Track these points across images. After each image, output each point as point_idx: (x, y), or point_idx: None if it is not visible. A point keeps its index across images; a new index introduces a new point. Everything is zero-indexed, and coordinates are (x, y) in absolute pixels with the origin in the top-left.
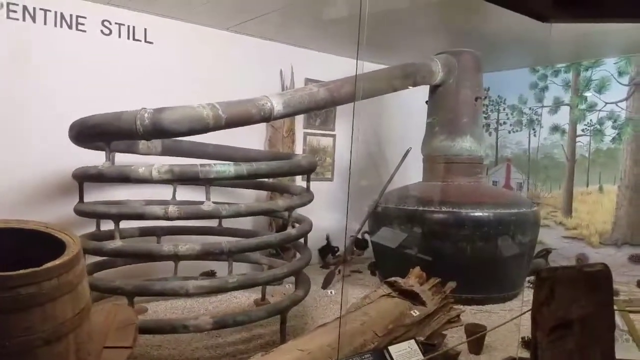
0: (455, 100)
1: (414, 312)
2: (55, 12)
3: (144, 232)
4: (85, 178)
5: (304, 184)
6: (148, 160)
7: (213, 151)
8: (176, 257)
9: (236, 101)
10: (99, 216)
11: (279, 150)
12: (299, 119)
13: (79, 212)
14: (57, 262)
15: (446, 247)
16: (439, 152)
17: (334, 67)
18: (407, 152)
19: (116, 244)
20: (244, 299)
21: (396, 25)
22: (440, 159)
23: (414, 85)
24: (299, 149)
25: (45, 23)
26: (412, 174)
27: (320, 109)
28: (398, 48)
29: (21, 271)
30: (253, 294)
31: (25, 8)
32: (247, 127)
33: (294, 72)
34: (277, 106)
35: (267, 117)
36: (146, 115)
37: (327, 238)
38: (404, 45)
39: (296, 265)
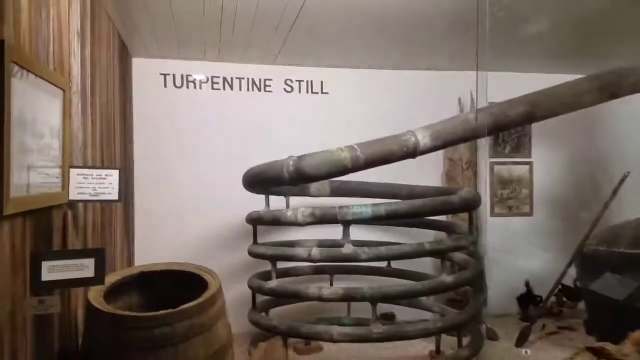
0: None
1: None
2: (248, 79)
3: (317, 271)
4: (251, 221)
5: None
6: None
7: (378, 190)
8: (319, 299)
9: (376, 140)
10: (259, 257)
11: (459, 184)
12: (483, 148)
13: (250, 253)
14: (190, 304)
15: None
16: None
17: (523, 84)
18: (624, 177)
19: (272, 284)
20: (420, 347)
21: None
22: None
23: (617, 96)
24: (484, 181)
25: (240, 89)
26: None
27: (480, 137)
28: (591, 55)
29: (156, 312)
30: (431, 343)
31: (224, 79)
32: (423, 161)
33: (474, 97)
34: (423, 139)
35: (411, 153)
36: (291, 162)
37: (527, 284)
38: (601, 52)
39: (456, 319)
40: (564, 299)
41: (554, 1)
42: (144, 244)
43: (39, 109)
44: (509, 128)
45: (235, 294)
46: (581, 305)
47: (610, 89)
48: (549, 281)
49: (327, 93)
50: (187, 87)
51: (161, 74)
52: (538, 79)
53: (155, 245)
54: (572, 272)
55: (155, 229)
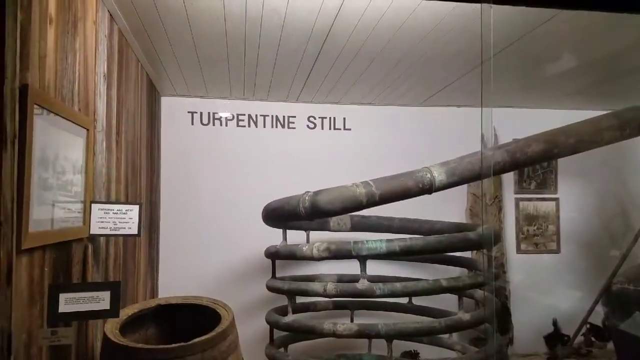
0: None
1: None
2: (272, 116)
3: (338, 306)
4: (269, 256)
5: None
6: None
7: (399, 225)
8: (334, 335)
9: (392, 176)
10: (275, 291)
11: (483, 220)
12: (508, 183)
13: (268, 287)
14: (202, 338)
15: None
16: None
17: (549, 121)
18: None
19: (288, 319)
20: None
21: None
22: None
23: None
24: (509, 217)
25: (264, 126)
26: None
27: (498, 174)
28: (612, 92)
29: (168, 345)
30: None
31: (249, 116)
32: (447, 197)
33: (499, 133)
34: (439, 176)
35: (427, 189)
36: (307, 197)
37: (555, 323)
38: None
39: (473, 358)
40: (593, 338)
41: (575, 38)
42: (169, 276)
43: (62, 147)
44: (526, 165)
45: (256, 329)
46: (610, 345)
47: (631, 126)
48: (577, 320)
49: (349, 129)
50: (214, 125)
51: (189, 112)
52: (560, 115)
53: (180, 278)
54: (601, 310)
55: (180, 262)
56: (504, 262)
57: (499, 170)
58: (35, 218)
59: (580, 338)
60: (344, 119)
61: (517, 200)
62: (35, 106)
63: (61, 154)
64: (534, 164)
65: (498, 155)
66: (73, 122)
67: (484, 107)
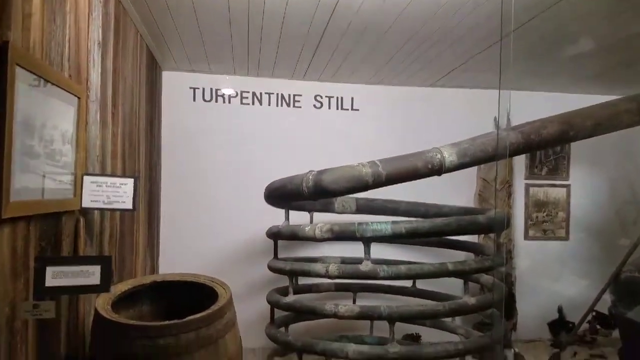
0: None
1: None
2: (277, 94)
3: (340, 288)
4: (271, 236)
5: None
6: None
7: (405, 208)
8: (335, 316)
9: (400, 156)
10: (277, 271)
11: (491, 206)
12: (519, 169)
13: (269, 268)
14: (197, 316)
15: None
16: None
17: (564, 105)
18: None
19: (289, 299)
20: None
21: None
22: None
23: None
24: (519, 203)
25: (269, 104)
26: None
27: (511, 155)
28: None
29: (160, 322)
30: None
31: (254, 94)
32: (457, 181)
33: (512, 117)
34: (450, 157)
35: (437, 170)
36: (310, 177)
37: (560, 310)
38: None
39: (478, 343)
40: (598, 326)
41: (593, 21)
42: (169, 254)
43: (50, 114)
44: (541, 148)
45: (257, 309)
46: (616, 333)
47: None
48: (584, 308)
49: (357, 110)
50: (216, 102)
51: (191, 88)
52: (577, 99)
53: (181, 257)
54: (608, 298)
55: (181, 240)
56: (511, 248)
57: (512, 152)
58: (17, 187)
59: (585, 325)
60: (352, 98)
61: (527, 186)
62: (17, 67)
63: (49, 122)
64: (548, 146)
65: (512, 137)
66: (62, 89)
67: (507, 89)
